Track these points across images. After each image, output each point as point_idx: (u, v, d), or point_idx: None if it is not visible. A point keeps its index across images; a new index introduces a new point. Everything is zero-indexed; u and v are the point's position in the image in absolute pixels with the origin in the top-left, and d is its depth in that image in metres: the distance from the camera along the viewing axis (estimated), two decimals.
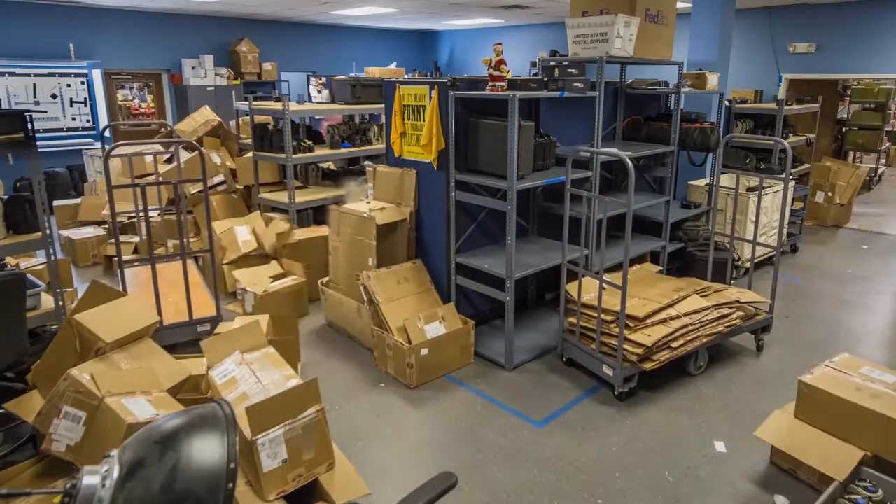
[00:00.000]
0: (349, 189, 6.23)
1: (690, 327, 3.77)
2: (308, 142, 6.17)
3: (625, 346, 3.60)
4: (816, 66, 9.00)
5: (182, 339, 4.00)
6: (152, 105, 10.33)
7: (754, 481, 2.97)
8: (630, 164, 3.41)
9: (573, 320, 4.01)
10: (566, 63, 4.44)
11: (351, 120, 7.30)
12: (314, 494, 2.50)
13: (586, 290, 3.94)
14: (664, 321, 3.73)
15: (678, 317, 3.77)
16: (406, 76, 11.20)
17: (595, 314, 3.79)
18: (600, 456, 3.16)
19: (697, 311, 3.87)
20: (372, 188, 4.74)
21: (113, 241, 5.01)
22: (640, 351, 3.56)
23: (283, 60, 11.37)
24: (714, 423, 3.46)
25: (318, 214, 6.22)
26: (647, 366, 3.58)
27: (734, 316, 4.05)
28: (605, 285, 3.65)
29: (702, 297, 4.05)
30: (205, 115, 7.18)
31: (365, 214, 4.27)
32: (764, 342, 4.40)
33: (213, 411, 1.07)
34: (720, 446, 3.24)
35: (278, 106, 5.73)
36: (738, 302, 4.13)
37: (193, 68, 10.00)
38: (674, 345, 3.68)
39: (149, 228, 4.10)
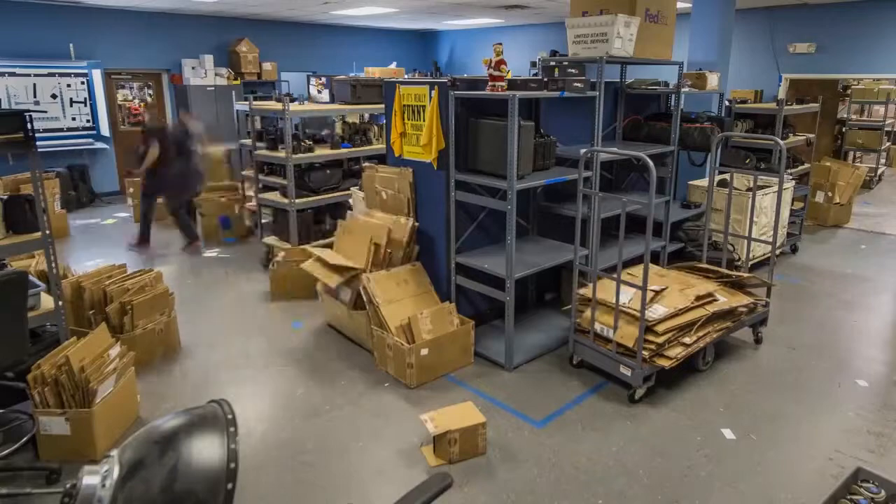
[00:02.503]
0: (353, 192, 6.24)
1: (704, 321, 3.83)
2: (308, 142, 6.19)
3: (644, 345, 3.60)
4: (816, 66, 9.00)
5: None
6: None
7: (755, 481, 2.97)
8: (651, 164, 3.42)
9: (585, 321, 3.98)
10: (566, 63, 4.44)
11: None
12: None
13: (598, 290, 3.93)
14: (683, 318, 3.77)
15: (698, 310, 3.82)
16: (406, 76, 11.20)
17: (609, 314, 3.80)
18: (600, 456, 3.16)
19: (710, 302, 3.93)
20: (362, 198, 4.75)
21: None
22: (653, 347, 3.58)
23: (283, 60, 11.37)
24: (714, 424, 3.46)
25: (318, 215, 6.22)
26: (665, 363, 3.58)
27: (740, 310, 4.10)
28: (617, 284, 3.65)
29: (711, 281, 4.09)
30: None
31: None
32: (762, 335, 4.45)
33: (214, 411, 1.07)
34: (715, 442, 3.24)
35: (278, 106, 5.74)
36: (752, 302, 4.20)
37: (193, 68, 10.00)
38: (687, 340, 3.70)
39: None
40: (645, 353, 3.58)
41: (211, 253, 6.78)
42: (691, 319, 3.74)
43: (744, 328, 4.31)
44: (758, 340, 4.46)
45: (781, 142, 4.31)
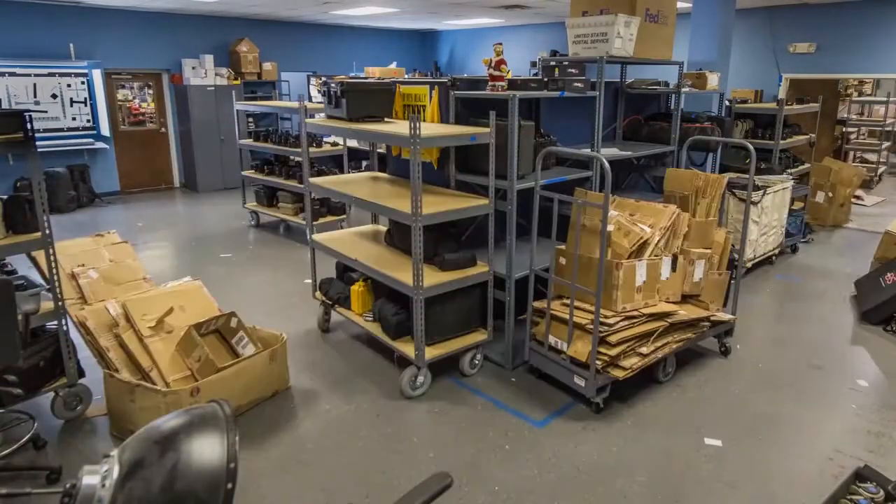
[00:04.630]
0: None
1: (661, 332, 3.66)
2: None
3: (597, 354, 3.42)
4: (816, 66, 9.01)
5: None
6: (152, 105, 10.34)
7: (755, 481, 2.97)
8: (752, 149, 3.23)
9: (541, 330, 3.83)
10: (566, 63, 4.43)
11: None
12: None
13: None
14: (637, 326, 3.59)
15: (654, 322, 3.65)
16: (406, 76, 11.20)
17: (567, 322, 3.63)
18: (600, 456, 3.16)
19: (668, 315, 3.73)
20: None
21: None
22: (607, 358, 3.44)
23: (283, 60, 11.38)
24: (715, 423, 3.46)
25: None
26: (620, 374, 3.43)
27: (702, 323, 3.94)
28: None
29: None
30: None
31: None
32: (729, 346, 4.27)
33: (213, 411, 1.08)
34: (715, 442, 3.24)
35: (294, 105, 5.91)
36: (709, 318, 3.98)
37: (193, 68, 10.00)
38: (644, 350, 3.56)
39: None
40: (599, 363, 3.43)
41: None
42: (648, 330, 3.59)
43: (710, 338, 4.15)
44: (725, 352, 4.27)
45: (751, 146, 4.26)
